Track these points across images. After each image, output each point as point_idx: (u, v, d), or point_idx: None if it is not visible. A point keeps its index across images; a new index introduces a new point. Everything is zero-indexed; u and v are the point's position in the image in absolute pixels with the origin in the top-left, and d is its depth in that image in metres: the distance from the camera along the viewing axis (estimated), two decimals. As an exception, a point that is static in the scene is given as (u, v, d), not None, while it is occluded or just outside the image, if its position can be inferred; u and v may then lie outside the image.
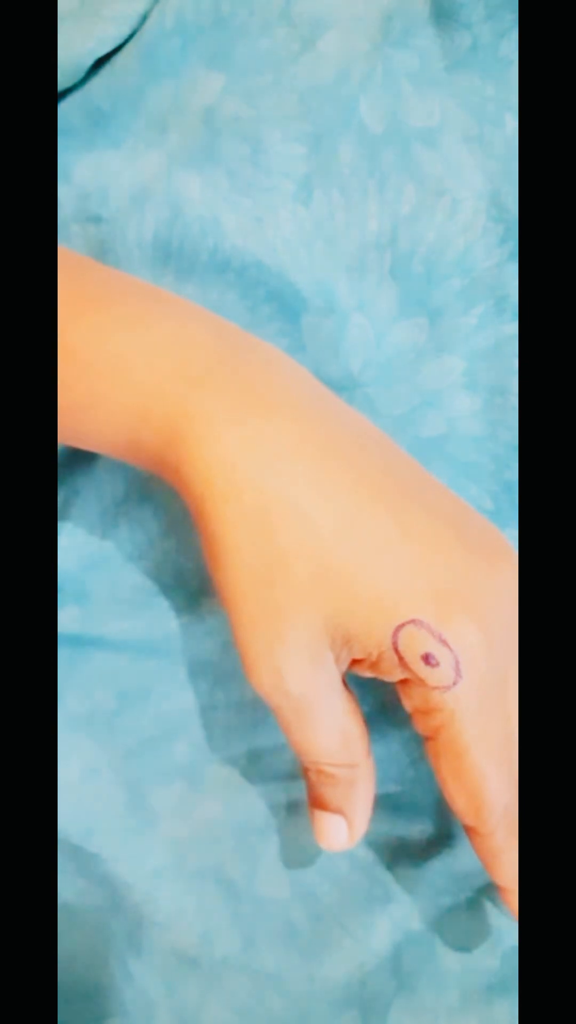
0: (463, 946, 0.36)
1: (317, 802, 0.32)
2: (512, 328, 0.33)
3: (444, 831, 0.37)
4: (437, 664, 0.28)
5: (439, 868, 0.37)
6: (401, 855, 0.37)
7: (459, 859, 0.36)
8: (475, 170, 0.32)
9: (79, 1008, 0.36)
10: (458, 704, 0.29)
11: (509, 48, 0.32)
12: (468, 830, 0.30)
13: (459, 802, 0.30)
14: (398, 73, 0.32)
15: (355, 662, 0.30)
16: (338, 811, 0.32)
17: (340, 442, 0.29)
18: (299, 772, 0.37)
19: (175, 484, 0.30)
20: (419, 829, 0.37)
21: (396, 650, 0.28)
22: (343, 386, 0.34)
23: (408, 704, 0.30)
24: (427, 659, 0.28)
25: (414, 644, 0.28)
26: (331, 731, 0.30)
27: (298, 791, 0.37)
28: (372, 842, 0.37)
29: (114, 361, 0.29)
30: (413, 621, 0.28)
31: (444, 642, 0.28)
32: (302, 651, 0.29)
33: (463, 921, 0.36)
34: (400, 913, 0.36)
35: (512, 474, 0.35)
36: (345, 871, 0.37)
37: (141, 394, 0.29)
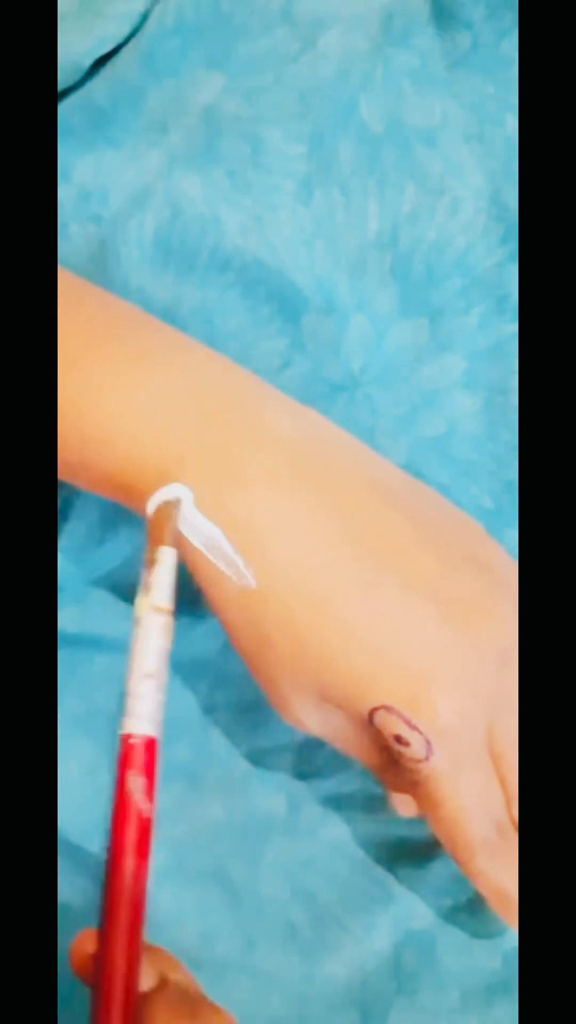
0: (463, 946, 0.36)
1: (386, 785, 0.34)
2: (512, 328, 0.33)
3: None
4: (408, 744, 0.29)
5: (439, 868, 0.37)
6: (401, 855, 0.37)
7: (459, 859, 0.37)
8: (476, 169, 0.32)
9: (79, 1008, 0.36)
10: (431, 772, 0.30)
11: (509, 47, 0.32)
12: (449, 853, 0.31)
13: (438, 836, 0.31)
14: (398, 72, 0.32)
15: None
16: (401, 791, 0.34)
17: (318, 511, 0.30)
18: (299, 772, 0.37)
19: None
20: (419, 829, 0.37)
21: (372, 725, 0.30)
22: (343, 386, 0.34)
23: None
24: (398, 739, 0.29)
25: (387, 726, 0.29)
26: (367, 745, 0.32)
27: (298, 791, 0.37)
28: (372, 842, 0.37)
29: (100, 427, 0.30)
30: (384, 707, 0.29)
31: (414, 727, 0.29)
32: (308, 706, 0.31)
33: (463, 921, 0.36)
34: (400, 913, 0.36)
35: (512, 474, 0.34)
36: (345, 871, 0.37)
37: (124, 470, 0.30)
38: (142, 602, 0.29)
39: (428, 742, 0.29)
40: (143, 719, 0.28)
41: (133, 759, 0.27)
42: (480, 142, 0.32)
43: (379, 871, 0.37)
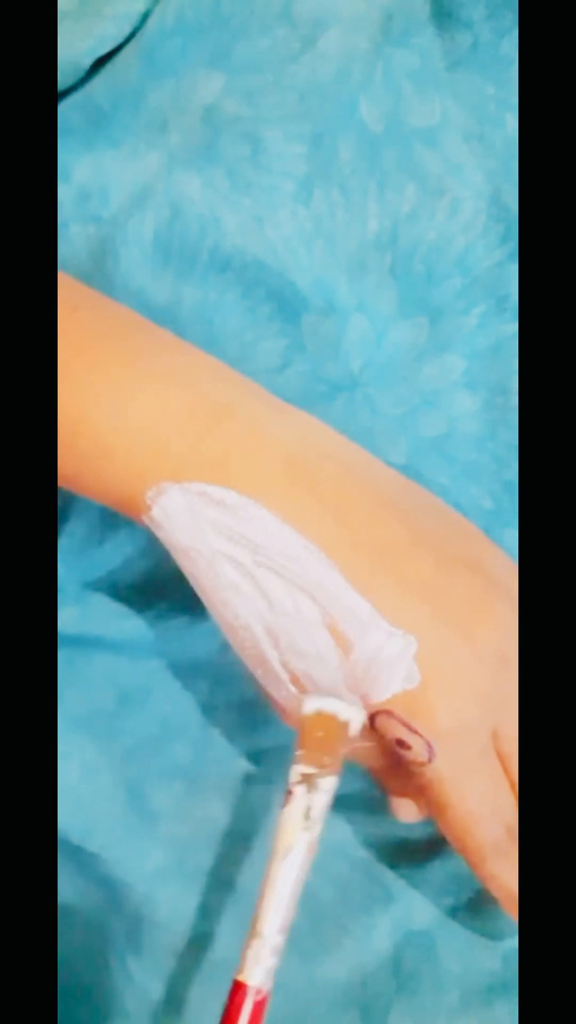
0: (463, 946, 0.36)
1: (386, 791, 0.34)
2: (512, 328, 0.33)
3: (444, 831, 0.37)
4: (410, 748, 0.29)
5: (439, 868, 0.37)
6: (401, 855, 0.37)
7: (459, 859, 0.36)
8: (475, 169, 0.32)
9: (79, 1008, 0.36)
10: (435, 774, 0.30)
11: (509, 47, 0.32)
12: (461, 856, 0.31)
13: (448, 839, 0.31)
14: (398, 72, 0.32)
15: None
16: (402, 796, 0.34)
17: (314, 517, 0.29)
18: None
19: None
20: (419, 829, 0.37)
21: (374, 729, 0.30)
22: (343, 386, 0.34)
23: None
24: (400, 743, 0.29)
25: (388, 730, 0.29)
26: (363, 750, 0.32)
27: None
28: (372, 842, 0.37)
29: (96, 443, 0.30)
30: (385, 711, 0.29)
31: (414, 731, 0.29)
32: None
33: (463, 921, 0.36)
34: (400, 913, 0.36)
35: (512, 474, 0.34)
36: (345, 871, 0.37)
37: (122, 481, 0.30)
38: (295, 824, 0.28)
39: (429, 745, 0.29)
40: (265, 972, 0.27)
41: (247, 1015, 0.27)
42: (480, 142, 0.32)
43: (379, 871, 0.37)
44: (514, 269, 0.33)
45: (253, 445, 0.30)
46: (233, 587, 0.29)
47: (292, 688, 0.30)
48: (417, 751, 0.29)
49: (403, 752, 0.29)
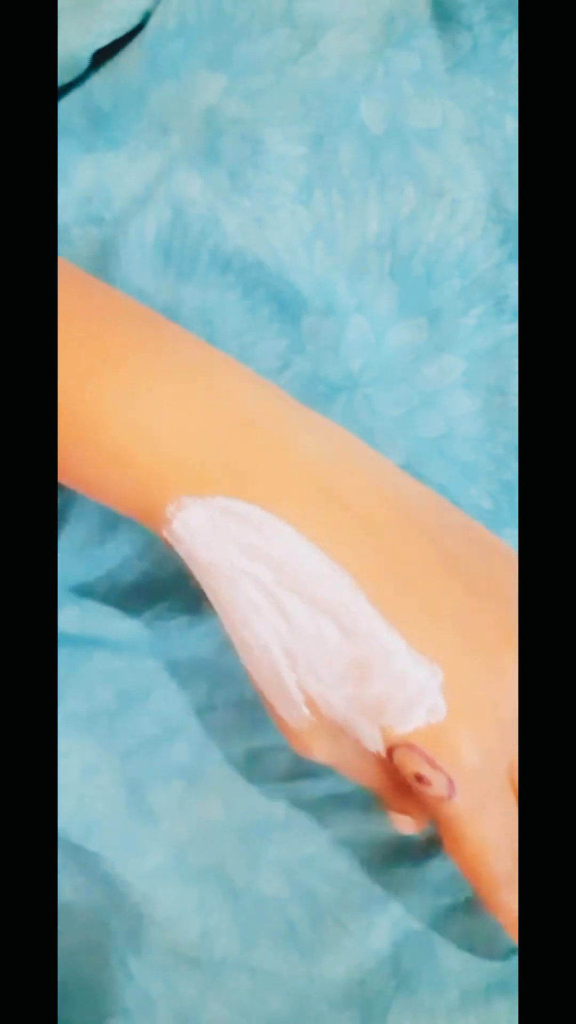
0: (463, 946, 0.36)
1: (385, 806, 0.34)
2: (512, 328, 0.34)
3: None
4: (430, 783, 0.28)
5: (439, 868, 0.37)
6: (401, 855, 0.37)
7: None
8: (475, 171, 0.32)
9: (79, 1007, 0.36)
10: (454, 810, 0.29)
11: (509, 49, 0.32)
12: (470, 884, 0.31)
13: (461, 870, 0.30)
14: (399, 74, 0.32)
15: None
16: (402, 813, 0.33)
17: (342, 535, 0.29)
18: (298, 772, 0.37)
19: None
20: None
21: (392, 762, 0.29)
22: (343, 386, 0.34)
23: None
24: (420, 778, 0.28)
25: (407, 764, 0.28)
26: (369, 773, 0.31)
27: (298, 791, 0.37)
28: (372, 842, 0.37)
29: (113, 451, 0.29)
30: (407, 744, 0.28)
31: (436, 766, 0.28)
32: (322, 735, 0.30)
33: (463, 921, 0.37)
34: (400, 913, 0.36)
35: (511, 474, 0.35)
36: (345, 871, 0.37)
37: (141, 492, 0.29)
38: None
39: (451, 781, 0.28)
40: None
41: None
42: (480, 143, 0.32)
43: (379, 871, 0.37)
44: (513, 270, 0.33)
45: (279, 458, 0.29)
46: (253, 606, 0.29)
47: (305, 710, 0.29)
48: (437, 788, 0.28)
49: (422, 788, 0.28)
